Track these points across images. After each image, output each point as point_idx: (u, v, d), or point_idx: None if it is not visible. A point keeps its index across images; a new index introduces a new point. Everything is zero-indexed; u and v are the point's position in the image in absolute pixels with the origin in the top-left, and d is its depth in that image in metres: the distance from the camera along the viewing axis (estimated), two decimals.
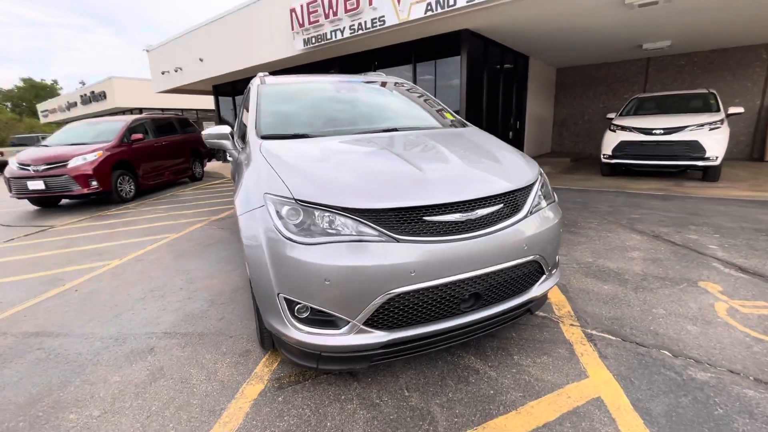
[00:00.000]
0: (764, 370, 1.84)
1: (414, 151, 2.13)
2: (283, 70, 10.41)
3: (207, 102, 17.66)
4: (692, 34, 8.36)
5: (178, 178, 9.38)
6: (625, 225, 4.32)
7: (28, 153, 7.09)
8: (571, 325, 2.32)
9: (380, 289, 1.55)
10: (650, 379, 1.81)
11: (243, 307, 2.76)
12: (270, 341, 2.05)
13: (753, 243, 3.54)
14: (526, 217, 1.84)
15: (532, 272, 1.91)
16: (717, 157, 6.45)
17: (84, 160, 6.73)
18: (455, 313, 1.74)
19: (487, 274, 1.72)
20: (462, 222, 1.67)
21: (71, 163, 6.63)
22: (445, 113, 3.03)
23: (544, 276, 1.98)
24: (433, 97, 3.31)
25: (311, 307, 1.61)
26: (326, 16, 7.43)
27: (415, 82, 8.56)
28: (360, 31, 7.15)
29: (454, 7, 5.94)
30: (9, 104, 51.01)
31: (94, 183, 6.75)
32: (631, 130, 7.27)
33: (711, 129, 6.51)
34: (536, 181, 2.01)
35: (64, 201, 7.75)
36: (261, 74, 3.29)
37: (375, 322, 1.62)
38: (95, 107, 21.50)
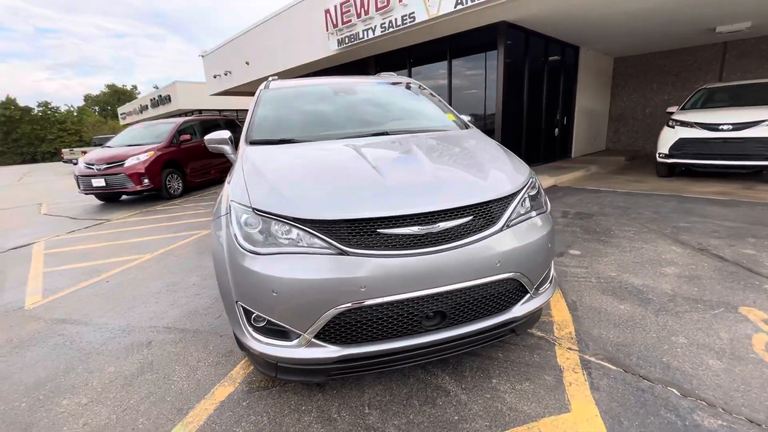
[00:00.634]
0: None
1: (389, 158, 2.04)
2: (323, 71, 10.63)
3: None
4: None
5: (223, 176, 9.96)
6: (667, 235, 3.84)
7: (94, 153, 7.94)
8: (569, 348, 2.10)
9: (329, 303, 1.50)
10: (644, 421, 1.57)
11: None
12: None
13: None
14: (501, 230, 1.68)
15: (510, 291, 1.75)
16: None
17: (137, 159, 7.39)
18: (418, 331, 1.64)
19: (451, 292, 1.60)
20: (422, 235, 1.56)
21: (127, 163, 7.33)
22: (447, 114, 2.88)
23: (528, 295, 1.80)
24: (439, 98, 3.16)
25: (267, 318, 1.60)
26: (358, 15, 7.43)
27: (450, 79, 8.31)
28: (391, 29, 7.06)
29: None
30: (96, 108, 57.74)
31: (146, 181, 7.40)
32: (692, 126, 6.45)
33: None
34: (520, 190, 1.83)
35: (123, 197, 8.59)
36: (271, 78, 3.36)
37: (327, 336, 1.57)
38: (162, 109, 23.53)
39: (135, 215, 6.69)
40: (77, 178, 7.64)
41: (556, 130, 9.80)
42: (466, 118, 2.99)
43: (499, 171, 1.94)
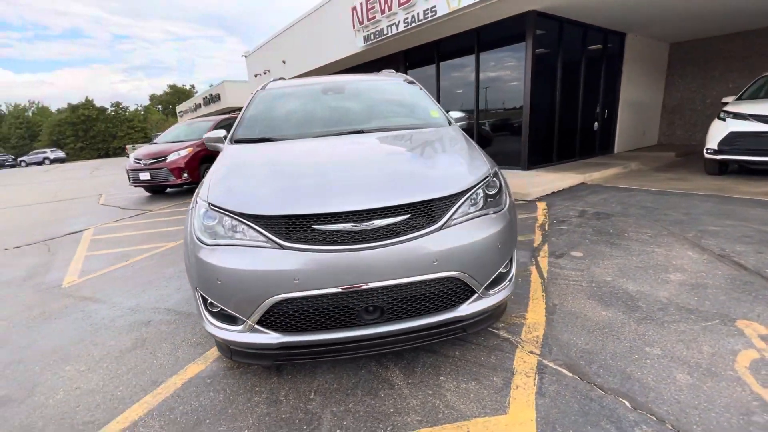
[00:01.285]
0: None
1: (346, 156, 2.11)
2: (352, 68, 10.79)
3: None
4: None
5: None
6: (688, 239, 3.52)
7: (142, 149, 8.73)
8: (530, 352, 2.05)
9: (266, 293, 1.61)
10: (579, 430, 1.52)
11: None
12: None
13: None
14: (441, 228, 1.69)
15: (453, 290, 1.75)
16: None
17: (178, 155, 8.02)
18: (357, 324, 1.71)
19: (386, 288, 1.64)
20: (356, 232, 1.61)
21: (169, 158, 7.98)
22: (431, 111, 2.86)
23: (476, 295, 1.79)
24: (430, 96, 3.14)
25: (218, 305, 1.75)
26: (382, 11, 7.47)
27: (477, 73, 8.08)
28: (414, 24, 7.03)
29: None
30: (160, 107, 62.92)
31: (185, 175, 8.01)
32: (746, 118, 5.77)
33: None
34: (469, 189, 1.81)
35: (168, 189, 9.36)
36: (273, 79, 3.53)
37: (268, 323, 1.69)
38: (213, 107, 25.13)
39: (173, 206, 7.30)
40: (128, 171, 8.46)
41: (596, 124, 9.18)
42: (456, 115, 2.96)
43: (452, 169, 1.93)
